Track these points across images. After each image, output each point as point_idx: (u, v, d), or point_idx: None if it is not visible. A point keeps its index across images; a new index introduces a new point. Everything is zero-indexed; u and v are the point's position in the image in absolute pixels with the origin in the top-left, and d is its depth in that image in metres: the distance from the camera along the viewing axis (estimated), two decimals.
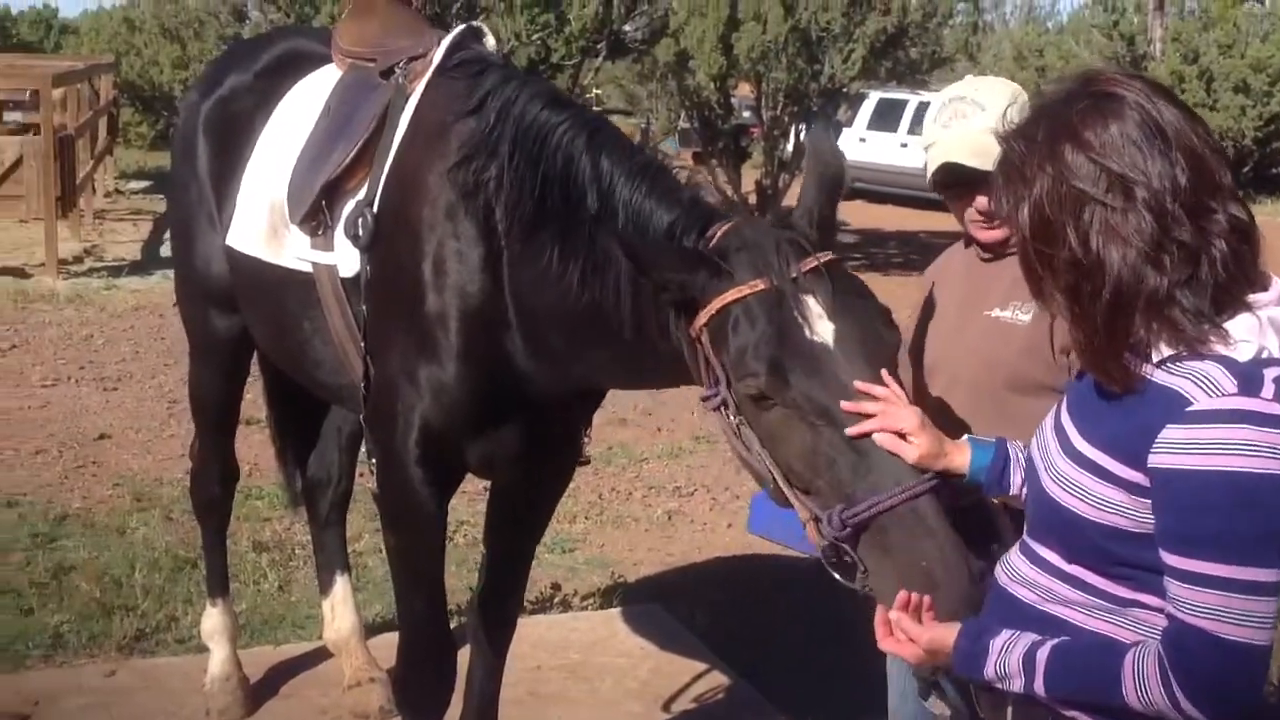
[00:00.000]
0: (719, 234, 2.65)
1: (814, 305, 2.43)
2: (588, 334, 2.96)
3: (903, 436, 2.33)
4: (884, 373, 2.40)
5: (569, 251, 2.89)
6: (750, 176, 17.60)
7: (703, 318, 2.53)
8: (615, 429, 8.36)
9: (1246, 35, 27.49)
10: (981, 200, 2.80)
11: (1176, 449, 1.84)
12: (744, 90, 18.04)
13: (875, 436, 2.33)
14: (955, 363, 2.85)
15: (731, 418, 2.51)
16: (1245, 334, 1.88)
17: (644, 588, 5.95)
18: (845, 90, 17.09)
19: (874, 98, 24.80)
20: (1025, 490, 2.24)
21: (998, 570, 2.19)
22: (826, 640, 4.95)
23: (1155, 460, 1.87)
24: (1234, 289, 1.89)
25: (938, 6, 16.78)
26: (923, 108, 24.53)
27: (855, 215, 22.92)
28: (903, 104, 24.98)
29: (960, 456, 2.37)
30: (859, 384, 2.36)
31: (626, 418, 8.68)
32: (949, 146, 2.83)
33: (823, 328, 2.42)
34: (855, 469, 2.33)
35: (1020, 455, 2.35)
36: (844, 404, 2.35)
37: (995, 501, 2.52)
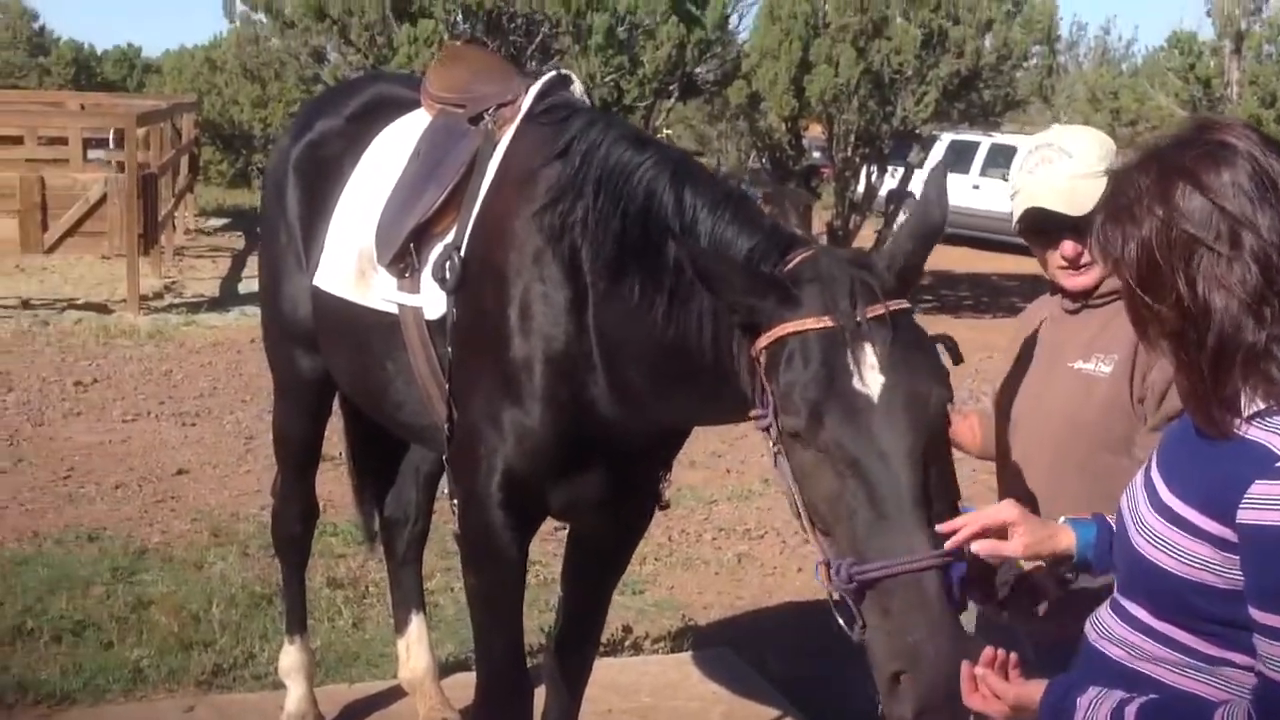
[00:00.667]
0: (795, 261, 2.65)
1: (869, 354, 2.42)
2: (669, 369, 2.97)
3: (1004, 530, 2.33)
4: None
5: (654, 286, 2.90)
6: (821, 218, 17.59)
7: (763, 341, 2.53)
8: (684, 471, 8.35)
9: None
10: (1068, 246, 2.79)
11: (1265, 505, 1.83)
12: (814, 131, 18.06)
13: (973, 546, 2.33)
14: (1039, 417, 2.84)
15: (773, 445, 2.53)
16: None
17: (714, 631, 5.93)
18: (918, 132, 17.05)
19: (946, 139, 24.67)
20: (1115, 548, 2.22)
21: (1087, 628, 2.17)
22: None
23: (1243, 516, 1.85)
24: None
25: (1012, 50, 16.71)
26: (995, 150, 24.47)
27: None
28: (975, 146, 24.87)
29: (1065, 538, 2.36)
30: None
31: (696, 460, 8.67)
32: (1035, 192, 2.82)
33: (872, 379, 2.41)
34: (871, 527, 2.35)
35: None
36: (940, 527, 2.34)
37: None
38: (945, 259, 21.26)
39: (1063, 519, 2.42)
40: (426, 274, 3.43)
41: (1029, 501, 2.75)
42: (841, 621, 2.39)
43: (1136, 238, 1.92)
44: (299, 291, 4.06)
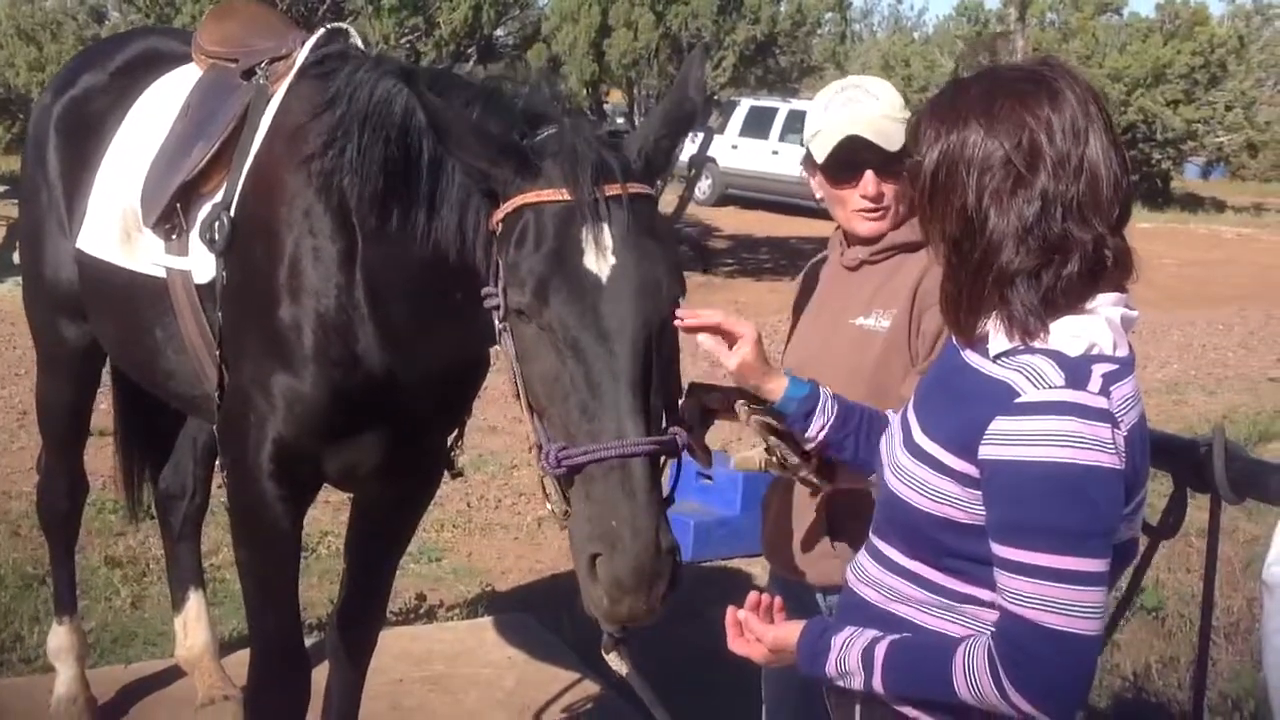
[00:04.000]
0: (542, 135, 2.55)
1: (604, 234, 2.35)
2: (431, 292, 2.86)
3: (732, 343, 2.37)
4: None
5: (413, 200, 2.77)
6: None
7: (499, 214, 2.46)
8: (485, 436, 8.28)
9: (1105, 46, 28.36)
10: (871, 183, 2.77)
11: (1004, 440, 1.87)
12: (616, 97, 18.10)
13: (700, 339, 2.37)
14: (821, 370, 2.86)
15: (498, 321, 2.46)
16: (1077, 330, 1.92)
17: (513, 596, 5.91)
18: (717, 97, 17.22)
19: (745, 105, 25.06)
20: (840, 454, 2.35)
21: (847, 573, 2.20)
22: (699, 649, 4.95)
23: (984, 451, 1.90)
24: (1069, 301, 1.93)
25: (806, 16, 16.99)
26: (793, 115, 24.88)
27: (727, 221, 23.14)
28: (773, 111, 25.27)
29: (779, 382, 2.40)
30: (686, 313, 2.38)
31: (497, 425, 8.60)
32: (846, 125, 2.78)
33: (602, 259, 2.35)
34: (584, 411, 2.31)
35: (832, 405, 2.39)
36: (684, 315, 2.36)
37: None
38: (745, 223, 21.63)
39: (786, 370, 2.46)
40: (194, 235, 3.28)
41: None
42: (549, 505, 2.39)
43: (949, 139, 1.95)
44: (61, 256, 3.87)
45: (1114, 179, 1.94)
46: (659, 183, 2.56)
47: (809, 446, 2.44)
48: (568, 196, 2.38)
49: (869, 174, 2.78)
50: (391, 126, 2.80)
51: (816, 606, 2.78)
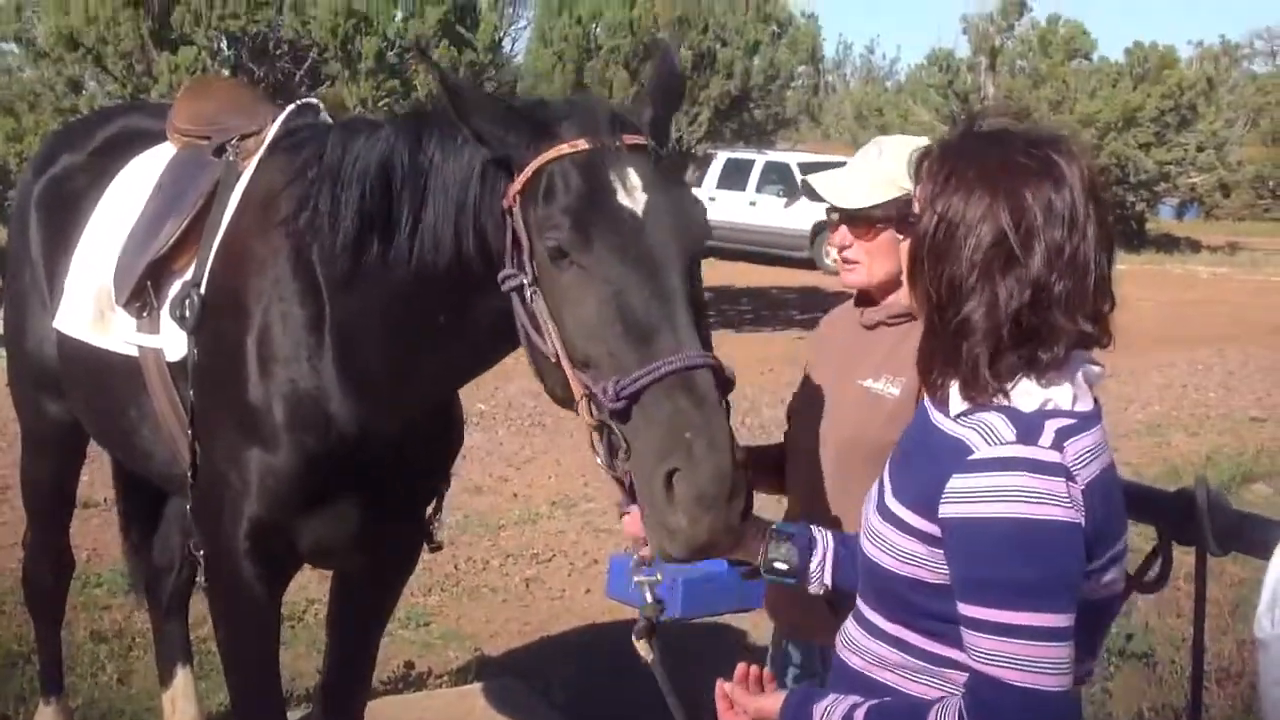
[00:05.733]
0: (553, 107, 2.59)
1: (632, 174, 2.40)
2: (410, 320, 2.82)
3: None
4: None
5: (393, 229, 2.74)
6: None
7: (518, 184, 2.47)
8: (470, 497, 8.26)
9: (1075, 92, 28.62)
10: (837, 234, 2.88)
11: (959, 498, 1.88)
12: None
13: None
14: (826, 426, 2.88)
15: (527, 291, 2.42)
16: (1030, 387, 1.93)
17: (502, 661, 5.87)
18: (693, 151, 17.31)
19: (722, 158, 25.19)
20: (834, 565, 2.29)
21: (836, 640, 2.20)
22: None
23: (943, 510, 1.90)
24: (1034, 371, 1.94)
25: (779, 70, 17.14)
26: (769, 167, 25.08)
27: (707, 273, 23.13)
28: (750, 163, 25.43)
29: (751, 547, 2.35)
30: None
31: (482, 485, 8.59)
32: (820, 178, 2.92)
33: (637, 196, 2.38)
34: (639, 338, 2.26)
35: (830, 544, 2.35)
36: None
37: None
38: (724, 274, 21.66)
39: (776, 526, 2.40)
40: (165, 313, 3.29)
41: (811, 506, 2.81)
42: (600, 458, 2.27)
43: (950, 200, 1.95)
44: (44, 333, 3.88)
45: (1100, 274, 1.95)
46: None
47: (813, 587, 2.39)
48: (588, 146, 2.42)
49: (842, 227, 2.87)
50: (364, 172, 2.78)
51: (816, 663, 2.77)
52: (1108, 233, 1.97)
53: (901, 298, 2.82)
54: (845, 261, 2.90)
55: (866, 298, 2.93)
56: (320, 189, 2.87)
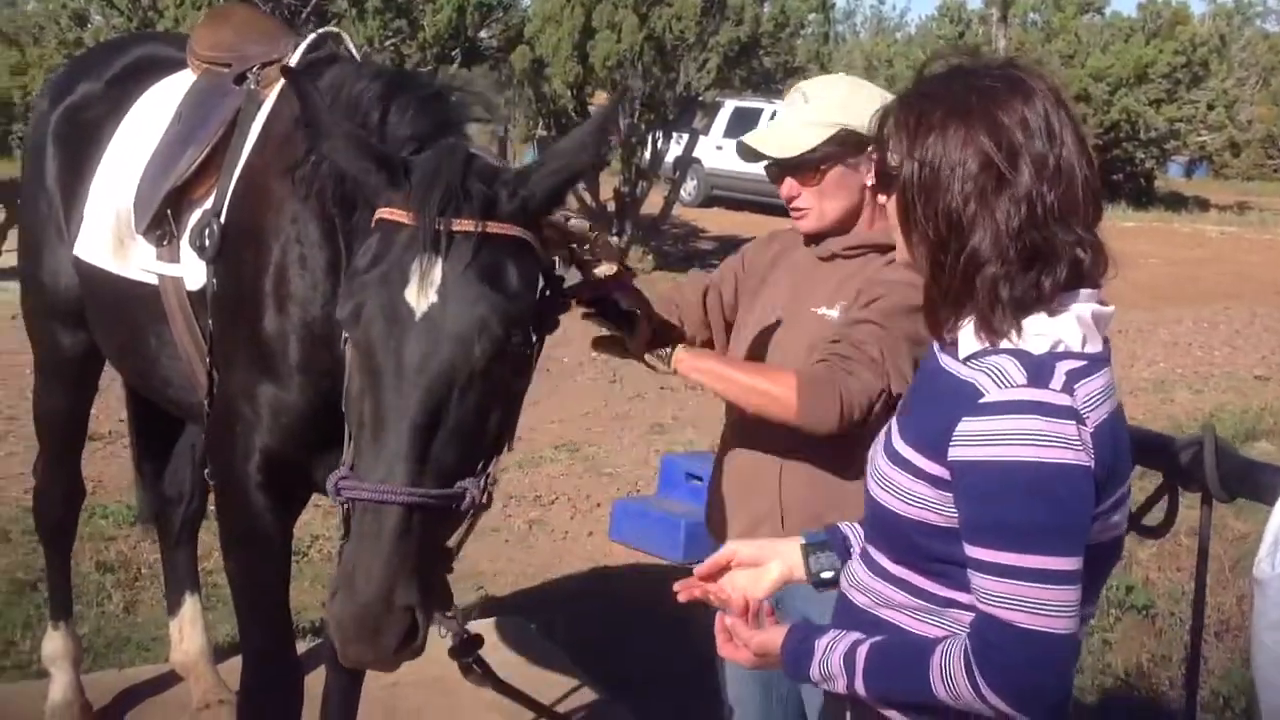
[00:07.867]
0: (429, 151, 2.47)
1: (434, 269, 2.24)
2: None
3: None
4: None
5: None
6: (609, 184, 17.65)
7: (374, 220, 2.38)
8: None
9: (1087, 46, 28.47)
10: (783, 186, 2.91)
11: (969, 441, 1.87)
12: (600, 98, 18.09)
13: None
14: (783, 352, 2.89)
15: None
16: (1041, 328, 1.91)
17: (506, 600, 5.91)
18: (701, 99, 17.24)
19: (730, 106, 25.07)
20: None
21: (841, 577, 2.21)
22: (684, 648, 4.96)
23: (952, 453, 1.89)
24: (1043, 302, 1.93)
25: (789, 17, 17.02)
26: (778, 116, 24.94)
27: (713, 222, 23.15)
28: (758, 112, 25.22)
29: (769, 576, 2.31)
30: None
31: None
32: (756, 133, 2.94)
33: (422, 295, 2.23)
34: (362, 443, 2.25)
35: (861, 534, 2.31)
36: None
37: None
38: (731, 223, 21.63)
39: (805, 539, 2.33)
40: (185, 242, 3.28)
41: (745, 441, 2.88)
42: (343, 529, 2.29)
43: (926, 143, 1.94)
44: (60, 263, 3.86)
45: (1085, 180, 1.94)
46: (540, 222, 2.44)
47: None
48: (407, 222, 2.29)
49: (787, 178, 2.90)
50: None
51: None
52: (1083, 140, 1.96)
53: (872, 234, 2.87)
54: (795, 210, 2.92)
55: (818, 237, 2.96)
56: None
